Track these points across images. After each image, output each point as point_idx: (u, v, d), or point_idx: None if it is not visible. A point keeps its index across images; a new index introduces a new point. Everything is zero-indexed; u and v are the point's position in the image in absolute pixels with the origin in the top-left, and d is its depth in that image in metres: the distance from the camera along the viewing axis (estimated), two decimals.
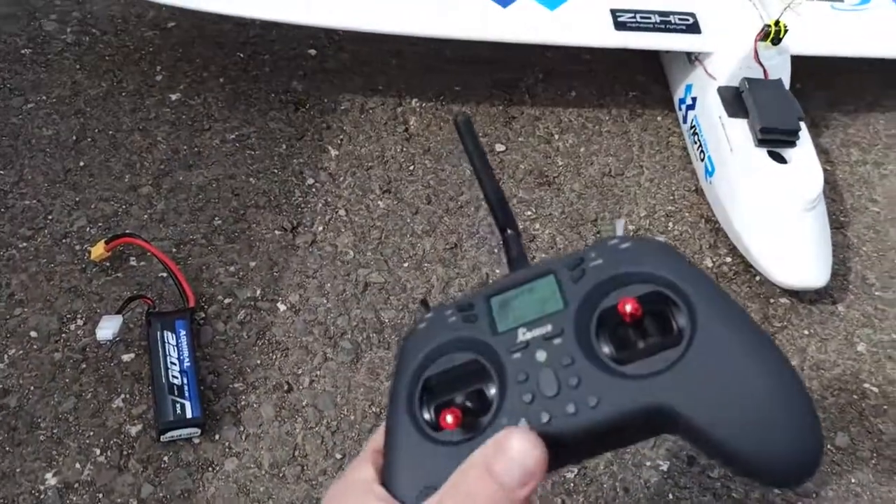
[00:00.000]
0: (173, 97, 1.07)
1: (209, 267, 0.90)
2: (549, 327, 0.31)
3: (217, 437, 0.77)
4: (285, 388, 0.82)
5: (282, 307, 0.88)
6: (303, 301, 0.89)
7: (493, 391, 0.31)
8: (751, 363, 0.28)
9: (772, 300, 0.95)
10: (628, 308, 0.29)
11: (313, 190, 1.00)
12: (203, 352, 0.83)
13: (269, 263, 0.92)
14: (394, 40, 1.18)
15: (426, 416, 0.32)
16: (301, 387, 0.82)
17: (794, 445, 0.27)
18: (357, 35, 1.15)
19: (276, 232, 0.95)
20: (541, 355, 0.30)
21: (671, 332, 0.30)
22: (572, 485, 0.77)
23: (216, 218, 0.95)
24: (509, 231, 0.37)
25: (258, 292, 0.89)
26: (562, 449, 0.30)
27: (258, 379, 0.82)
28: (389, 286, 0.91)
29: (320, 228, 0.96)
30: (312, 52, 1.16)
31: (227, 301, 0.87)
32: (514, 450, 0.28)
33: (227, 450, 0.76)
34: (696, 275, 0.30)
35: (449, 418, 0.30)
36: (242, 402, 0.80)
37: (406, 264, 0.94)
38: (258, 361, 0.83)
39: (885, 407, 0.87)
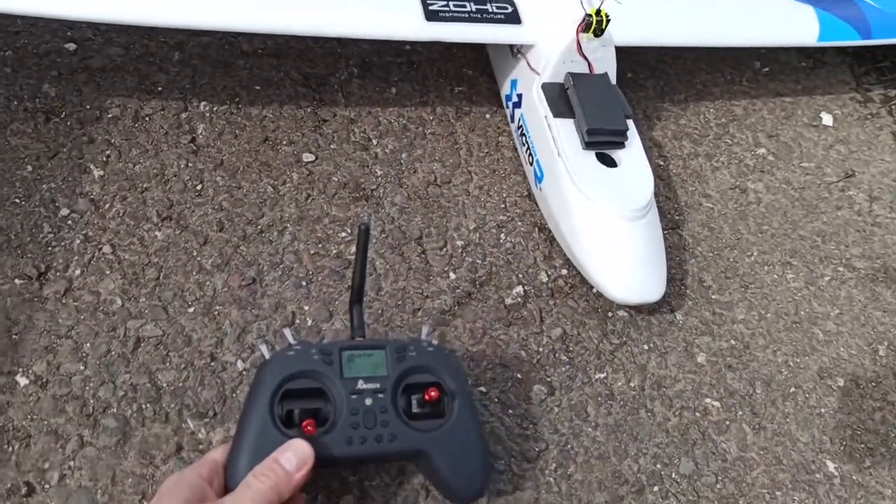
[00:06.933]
0: None
1: None
2: (377, 384, 0.59)
3: None
4: (23, 490, 0.63)
5: (22, 381, 0.69)
6: (51, 370, 0.70)
7: (329, 412, 0.58)
8: (471, 441, 0.61)
9: (609, 314, 0.87)
10: (433, 394, 0.59)
11: (69, 223, 0.81)
12: None
13: (4, 325, 0.72)
14: (177, 30, 1.00)
15: (280, 414, 0.56)
16: (48, 485, 0.64)
17: (478, 486, 0.61)
18: (130, 25, 0.95)
19: (17, 281, 0.75)
20: (368, 401, 0.58)
21: (441, 408, 0.61)
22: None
23: None
24: (356, 305, 0.66)
25: None
26: (360, 460, 0.60)
27: None
28: (169, 340, 0.75)
29: (77, 272, 0.77)
30: (71, 46, 0.95)
31: None
32: (294, 446, 0.53)
33: None
34: (462, 381, 0.63)
35: (309, 427, 0.55)
36: None
37: (191, 309, 0.77)
38: None
39: (728, 422, 0.82)
